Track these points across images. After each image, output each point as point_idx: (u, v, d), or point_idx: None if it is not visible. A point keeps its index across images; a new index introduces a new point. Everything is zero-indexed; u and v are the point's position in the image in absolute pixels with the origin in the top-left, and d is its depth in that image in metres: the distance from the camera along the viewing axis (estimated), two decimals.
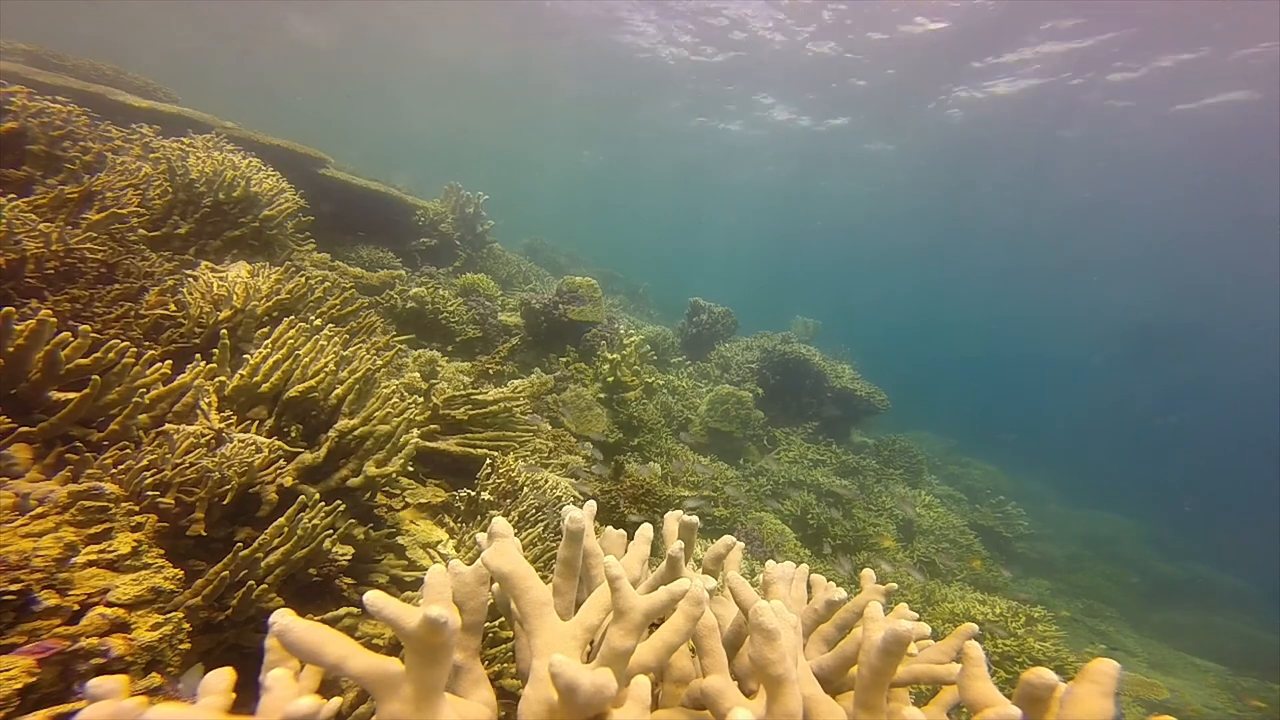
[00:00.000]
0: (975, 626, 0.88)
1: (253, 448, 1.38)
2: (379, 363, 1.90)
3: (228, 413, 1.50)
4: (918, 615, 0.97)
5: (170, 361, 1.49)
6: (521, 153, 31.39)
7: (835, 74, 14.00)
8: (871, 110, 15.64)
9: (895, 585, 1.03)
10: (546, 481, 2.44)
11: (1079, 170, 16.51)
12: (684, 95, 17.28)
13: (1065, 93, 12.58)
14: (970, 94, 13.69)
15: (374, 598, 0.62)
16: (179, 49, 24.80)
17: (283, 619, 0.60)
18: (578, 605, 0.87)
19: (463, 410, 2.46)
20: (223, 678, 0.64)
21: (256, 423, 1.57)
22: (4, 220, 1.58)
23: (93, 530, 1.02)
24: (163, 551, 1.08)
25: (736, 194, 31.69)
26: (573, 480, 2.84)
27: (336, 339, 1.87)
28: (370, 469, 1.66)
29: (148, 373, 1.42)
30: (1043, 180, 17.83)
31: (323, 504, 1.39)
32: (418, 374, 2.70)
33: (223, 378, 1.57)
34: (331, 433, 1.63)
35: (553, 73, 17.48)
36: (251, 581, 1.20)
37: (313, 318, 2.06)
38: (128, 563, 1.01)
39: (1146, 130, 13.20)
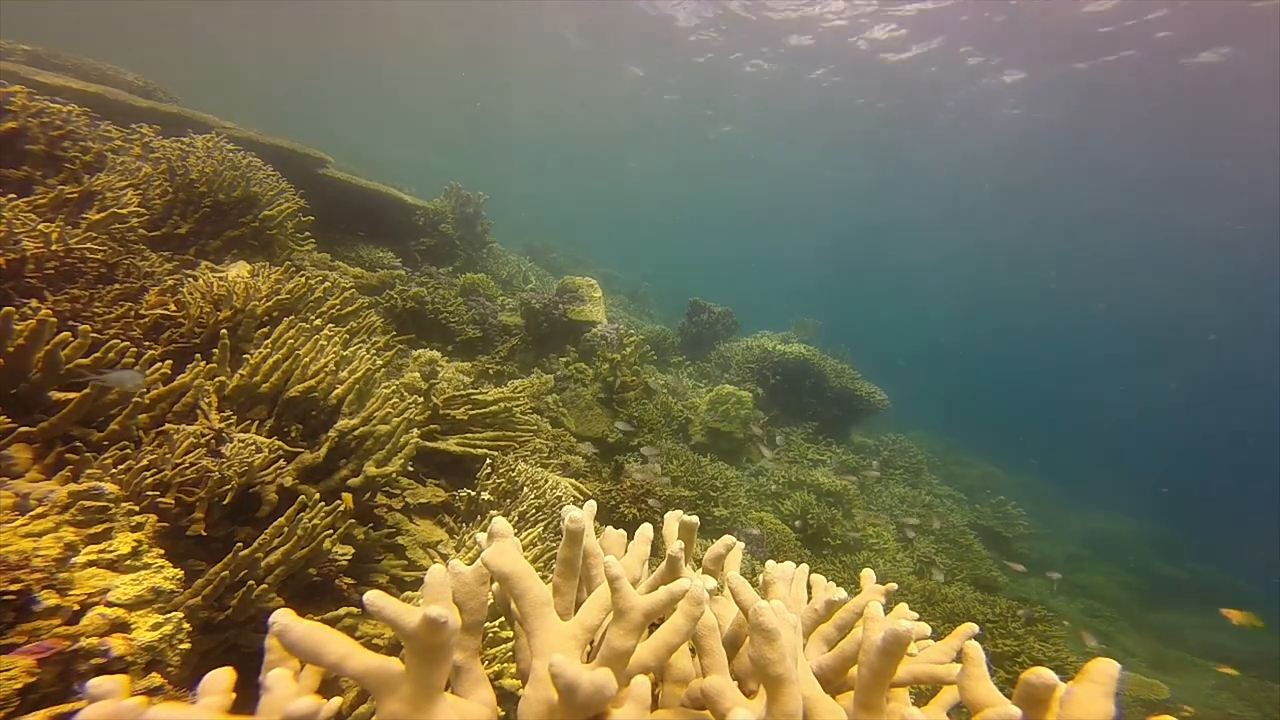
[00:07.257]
0: (975, 626, 0.88)
1: (253, 448, 1.38)
2: (379, 363, 1.90)
3: (228, 413, 1.50)
4: (917, 615, 0.97)
5: (170, 361, 1.49)
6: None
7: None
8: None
9: (895, 585, 1.03)
10: (546, 481, 2.44)
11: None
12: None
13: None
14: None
15: (374, 598, 0.62)
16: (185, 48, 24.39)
17: (283, 619, 0.60)
18: (578, 605, 0.87)
19: (463, 410, 2.46)
20: (223, 678, 0.64)
21: (256, 422, 1.58)
22: (4, 220, 1.58)
23: (93, 530, 1.02)
24: (163, 551, 1.08)
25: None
26: (573, 480, 2.84)
27: (336, 339, 1.87)
28: (370, 469, 1.66)
29: (148, 373, 1.42)
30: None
31: (323, 504, 1.39)
32: (418, 374, 2.70)
33: (223, 378, 1.57)
34: (331, 433, 1.63)
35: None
36: (251, 581, 1.20)
37: (313, 318, 2.06)
38: (128, 563, 1.01)
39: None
